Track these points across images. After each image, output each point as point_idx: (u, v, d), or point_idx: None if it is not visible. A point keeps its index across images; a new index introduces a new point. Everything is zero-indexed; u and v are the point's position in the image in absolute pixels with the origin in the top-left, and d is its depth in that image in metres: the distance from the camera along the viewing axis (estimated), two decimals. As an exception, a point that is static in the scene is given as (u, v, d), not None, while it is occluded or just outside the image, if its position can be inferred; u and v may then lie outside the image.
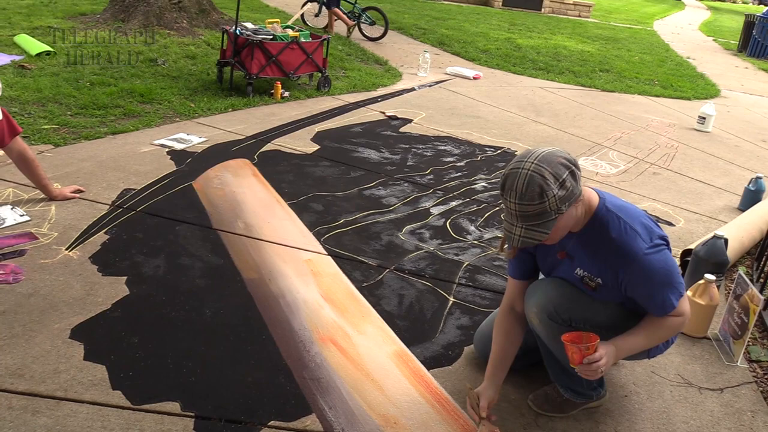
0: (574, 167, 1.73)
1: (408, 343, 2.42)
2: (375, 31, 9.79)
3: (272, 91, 5.83)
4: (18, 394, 1.96)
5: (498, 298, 2.80)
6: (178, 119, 4.93)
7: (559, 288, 1.96)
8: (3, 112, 3.00)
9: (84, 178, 3.62)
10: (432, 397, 2.14)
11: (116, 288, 2.58)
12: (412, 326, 2.54)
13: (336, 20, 9.69)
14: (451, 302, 2.74)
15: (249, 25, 5.89)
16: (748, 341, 2.58)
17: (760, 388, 2.38)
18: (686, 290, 2.66)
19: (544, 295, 1.96)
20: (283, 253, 2.99)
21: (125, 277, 2.66)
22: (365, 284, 2.81)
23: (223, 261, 2.88)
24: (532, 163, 1.70)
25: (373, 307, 2.63)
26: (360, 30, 9.77)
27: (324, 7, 9.86)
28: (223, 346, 2.29)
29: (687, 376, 2.40)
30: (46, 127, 4.38)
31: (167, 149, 4.21)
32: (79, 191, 3.44)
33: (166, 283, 2.66)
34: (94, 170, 3.75)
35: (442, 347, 2.43)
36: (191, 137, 4.48)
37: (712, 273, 2.87)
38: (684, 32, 17.74)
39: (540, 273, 2.14)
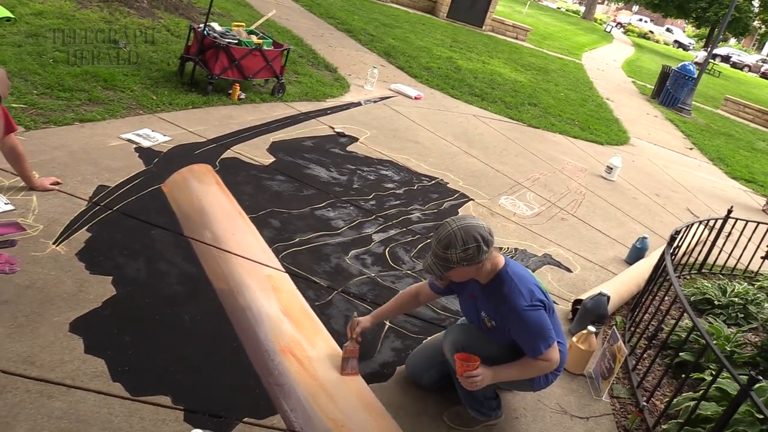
0: (482, 243, 2.38)
1: (352, 359, 2.97)
2: None
3: (230, 92, 6.18)
4: (32, 380, 2.36)
5: (426, 326, 3.40)
6: (141, 112, 5.22)
7: (466, 332, 2.67)
8: (2, 110, 3.28)
9: (59, 169, 3.91)
10: (370, 407, 2.70)
11: (104, 287, 2.98)
12: (355, 345, 3.09)
13: None
14: (387, 327, 3.31)
15: (216, 26, 6.20)
16: (613, 381, 3.31)
17: (616, 420, 3.10)
18: (572, 336, 3.36)
19: (455, 336, 2.66)
20: (247, 266, 3.45)
21: (111, 277, 3.06)
22: (317, 303, 3.33)
23: (195, 269, 3.31)
24: (457, 226, 2.39)
25: (324, 324, 3.16)
26: None
27: None
28: (202, 350, 2.76)
29: (564, 405, 3.09)
30: (14, 105, 4.58)
31: (135, 145, 4.53)
32: (57, 183, 3.74)
33: (147, 286, 3.07)
34: (67, 161, 4.04)
35: (379, 365, 3.00)
36: (156, 134, 4.81)
37: (595, 322, 3.59)
38: (608, 69, 19.12)
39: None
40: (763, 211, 8.40)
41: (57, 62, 5.62)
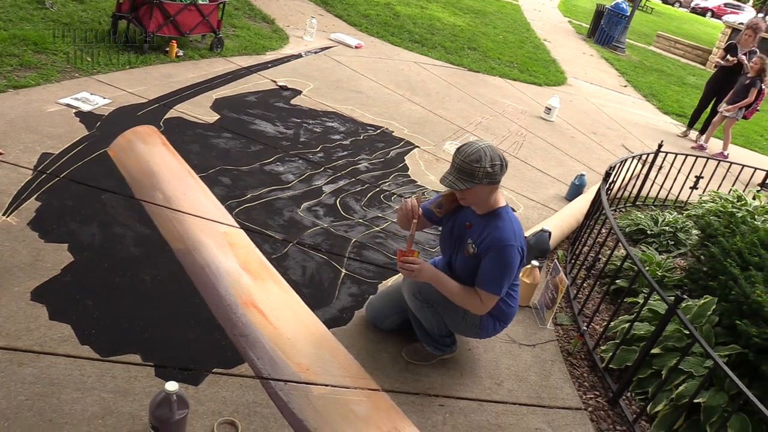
0: (504, 163, 2.53)
1: (311, 307, 3.11)
2: None
3: (167, 49, 6.05)
4: (0, 349, 2.41)
5: (380, 270, 3.56)
6: (77, 75, 5.09)
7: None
8: None
9: (-1, 139, 3.84)
10: (332, 349, 2.86)
11: (61, 254, 3.00)
12: (313, 293, 3.22)
13: None
14: (343, 273, 3.45)
15: (147, -18, 6.00)
16: (556, 310, 3.56)
17: (560, 345, 3.36)
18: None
19: (413, 282, 2.74)
20: (202, 225, 3.51)
21: (66, 244, 3.08)
22: (274, 256, 3.43)
23: (150, 231, 3.36)
24: (485, 146, 2.51)
25: (282, 276, 3.28)
26: None
27: None
28: (165, 308, 2.84)
29: (512, 335, 3.32)
30: (-59, 75, 4.42)
31: (75, 110, 4.45)
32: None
33: (104, 250, 3.11)
34: (6, 130, 3.95)
35: (338, 311, 3.15)
36: (95, 98, 4.72)
37: (538, 257, 3.82)
38: (544, 9, 19.27)
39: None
40: (693, 145, 8.82)
41: (-20, 26, 5.38)
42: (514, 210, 4.77)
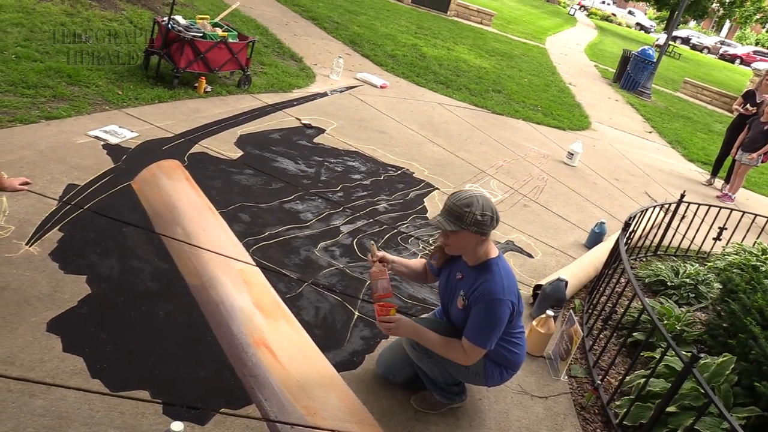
0: (495, 217, 2.56)
1: (322, 348, 3.10)
2: None
3: (196, 85, 6.20)
4: (13, 380, 2.44)
5: (393, 314, 3.54)
6: (107, 107, 5.23)
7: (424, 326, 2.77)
8: None
9: (27, 169, 3.94)
10: (341, 394, 2.84)
11: (79, 286, 3.05)
12: (325, 334, 3.22)
13: None
14: (356, 316, 3.45)
15: (180, 20, 6.20)
16: (571, 361, 3.50)
17: (573, 398, 3.30)
18: (532, 320, 3.54)
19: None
20: (219, 261, 3.55)
21: (85, 276, 3.13)
22: (288, 295, 3.45)
23: (168, 266, 3.40)
24: (479, 195, 2.56)
25: (295, 316, 3.29)
26: None
27: None
28: (178, 345, 2.86)
29: (524, 386, 3.27)
30: (-22, 105, 4.57)
31: (102, 142, 4.56)
32: (27, 183, 3.76)
33: (122, 284, 3.15)
34: (36, 160, 4.06)
35: (349, 354, 3.13)
36: (123, 131, 4.84)
37: (554, 306, 3.78)
38: (571, 53, 19.40)
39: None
40: (718, 194, 8.73)
41: (20, 58, 5.57)
42: (531, 256, 4.84)
